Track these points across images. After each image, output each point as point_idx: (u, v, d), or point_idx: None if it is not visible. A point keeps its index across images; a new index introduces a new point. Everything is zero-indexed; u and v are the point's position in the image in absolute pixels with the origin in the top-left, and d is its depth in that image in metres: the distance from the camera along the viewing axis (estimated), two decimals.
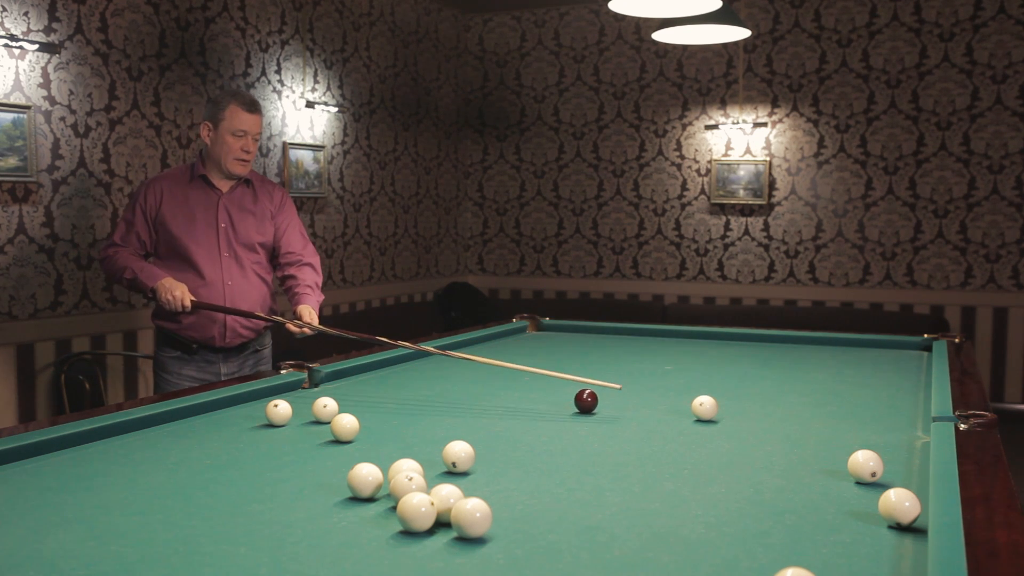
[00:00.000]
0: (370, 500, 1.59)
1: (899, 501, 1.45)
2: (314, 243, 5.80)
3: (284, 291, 3.30)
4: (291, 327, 3.05)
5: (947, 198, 6.30)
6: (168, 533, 1.43)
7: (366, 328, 4.25)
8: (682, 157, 6.96)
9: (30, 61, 4.00)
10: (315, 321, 3.12)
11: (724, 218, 6.88)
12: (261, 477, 1.75)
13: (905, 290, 6.42)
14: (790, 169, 6.66)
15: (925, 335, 3.44)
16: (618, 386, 2.49)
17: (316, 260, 3.37)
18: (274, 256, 3.36)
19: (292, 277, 3.28)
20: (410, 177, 6.85)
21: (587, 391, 2.36)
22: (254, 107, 3.19)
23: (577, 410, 2.35)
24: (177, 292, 3.03)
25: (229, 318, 3.21)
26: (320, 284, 3.31)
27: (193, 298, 3.07)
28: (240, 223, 3.25)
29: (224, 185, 3.25)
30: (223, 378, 3.25)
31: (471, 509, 1.39)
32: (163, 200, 3.19)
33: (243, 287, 3.24)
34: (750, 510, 1.56)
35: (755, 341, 3.65)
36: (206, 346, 3.24)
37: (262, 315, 3.14)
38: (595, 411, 2.35)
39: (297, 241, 3.35)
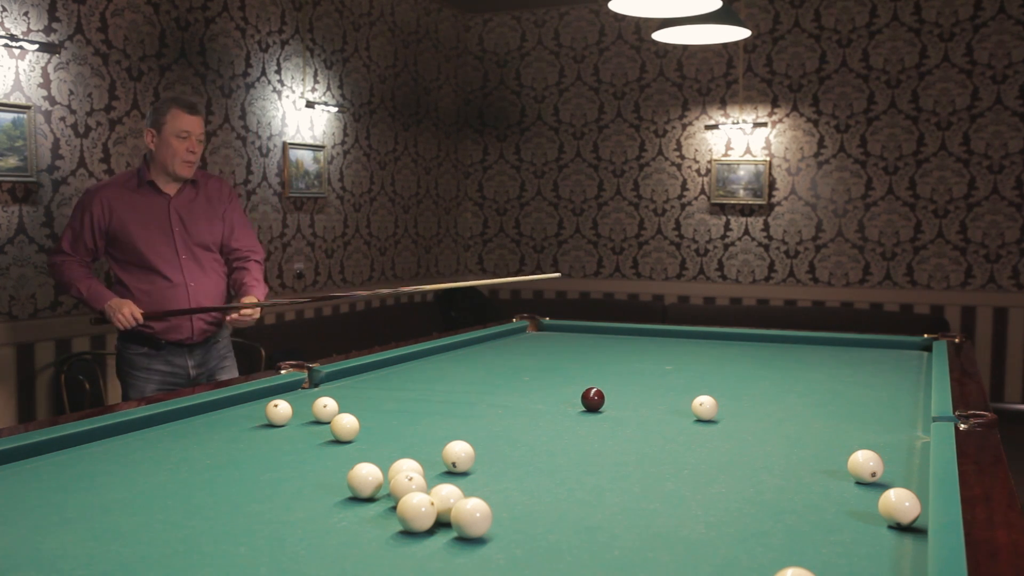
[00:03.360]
0: (370, 500, 1.59)
1: (899, 501, 1.45)
2: (314, 243, 5.81)
3: (231, 284, 3.43)
4: (236, 317, 3.24)
5: (947, 198, 6.30)
6: (168, 533, 1.43)
7: (367, 328, 4.26)
8: (682, 157, 6.96)
9: (30, 61, 3.99)
10: (257, 308, 3.29)
11: (724, 218, 6.88)
12: (261, 477, 1.75)
13: (905, 290, 6.42)
14: (790, 169, 6.66)
15: (925, 335, 3.44)
16: (556, 274, 2.78)
17: (262, 255, 3.50)
18: (222, 250, 3.47)
19: (241, 270, 3.42)
20: (410, 177, 6.85)
21: (593, 389, 2.36)
22: (194, 109, 3.27)
23: (584, 408, 2.35)
24: (126, 310, 3.14)
25: (195, 316, 3.33)
26: (264, 277, 3.47)
27: (141, 311, 3.18)
28: (192, 225, 3.33)
29: (171, 188, 3.33)
30: (191, 370, 3.38)
31: (471, 509, 1.39)
32: (112, 210, 3.25)
33: (205, 286, 3.35)
34: (750, 510, 1.56)
35: (755, 341, 3.65)
36: (173, 341, 3.34)
37: (214, 307, 3.31)
38: (601, 410, 2.35)
39: (246, 236, 3.47)
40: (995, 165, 6.17)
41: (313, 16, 5.73)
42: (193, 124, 3.25)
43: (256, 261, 3.45)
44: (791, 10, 6.59)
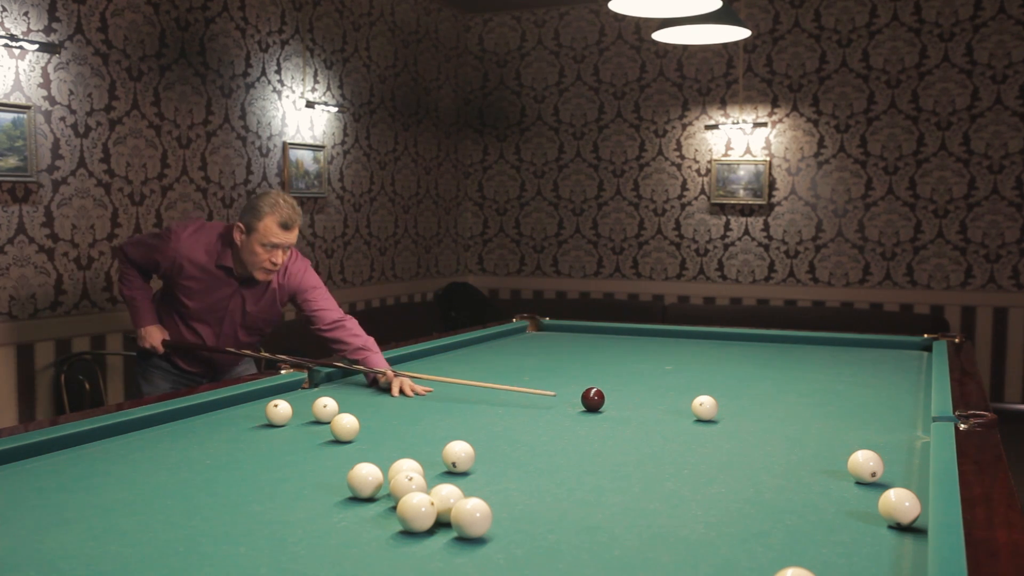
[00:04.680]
0: (370, 500, 1.59)
1: (899, 501, 1.45)
2: (314, 243, 5.81)
3: (342, 356, 3.04)
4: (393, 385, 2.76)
5: (947, 198, 6.30)
6: (168, 533, 1.43)
7: (367, 328, 4.23)
8: (682, 157, 6.96)
9: (30, 61, 3.99)
10: (390, 372, 2.80)
11: (724, 218, 6.88)
12: (261, 477, 1.75)
13: (905, 290, 6.42)
14: (790, 169, 6.65)
15: (925, 335, 3.44)
16: (552, 393, 2.47)
17: (332, 317, 3.13)
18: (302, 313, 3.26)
19: (340, 342, 3.03)
20: (410, 177, 6.85)
21: (594, 389, 2.36)
22: (291, 224, 3.04)
23: (584, 408, 2.35)
24: (147, 344, 3.24)
25: (219, 359, 3.36)
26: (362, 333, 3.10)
27: (166, 338, 3.25)
28: (251, 313, 3.24)
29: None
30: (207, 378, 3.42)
31: (471, 509, 1.39)
32: (182, 270, 3.14)
33: (233, 362, 3.39)
34: (750, 510, 1.56)
35: (755, 341, 3.65)
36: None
37: (288, 358, 3.09)
38: (601, 410, 2.35)
39: (327, 311, 3.13)
40: (995, 165, 6.17)
41: (313, 16, 5.73)
42: (284, 238, 3.03)
43: (343, 324, 3.06)
44: (791, 10, 6.59)
